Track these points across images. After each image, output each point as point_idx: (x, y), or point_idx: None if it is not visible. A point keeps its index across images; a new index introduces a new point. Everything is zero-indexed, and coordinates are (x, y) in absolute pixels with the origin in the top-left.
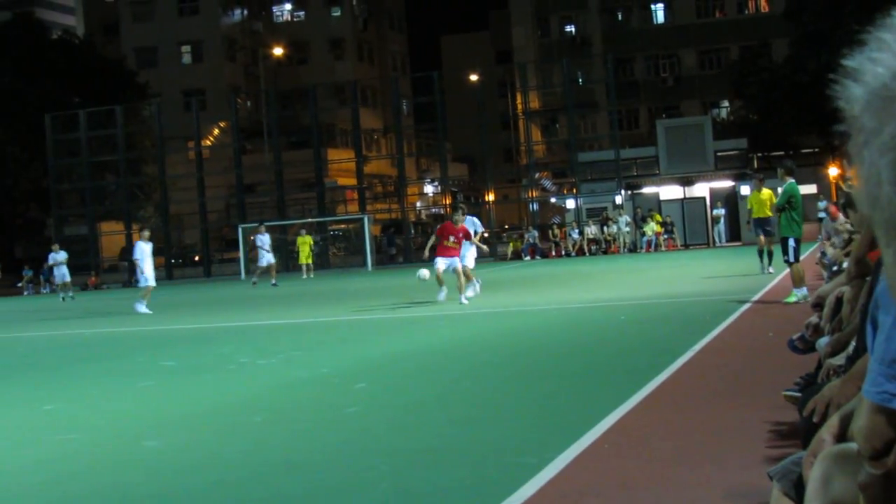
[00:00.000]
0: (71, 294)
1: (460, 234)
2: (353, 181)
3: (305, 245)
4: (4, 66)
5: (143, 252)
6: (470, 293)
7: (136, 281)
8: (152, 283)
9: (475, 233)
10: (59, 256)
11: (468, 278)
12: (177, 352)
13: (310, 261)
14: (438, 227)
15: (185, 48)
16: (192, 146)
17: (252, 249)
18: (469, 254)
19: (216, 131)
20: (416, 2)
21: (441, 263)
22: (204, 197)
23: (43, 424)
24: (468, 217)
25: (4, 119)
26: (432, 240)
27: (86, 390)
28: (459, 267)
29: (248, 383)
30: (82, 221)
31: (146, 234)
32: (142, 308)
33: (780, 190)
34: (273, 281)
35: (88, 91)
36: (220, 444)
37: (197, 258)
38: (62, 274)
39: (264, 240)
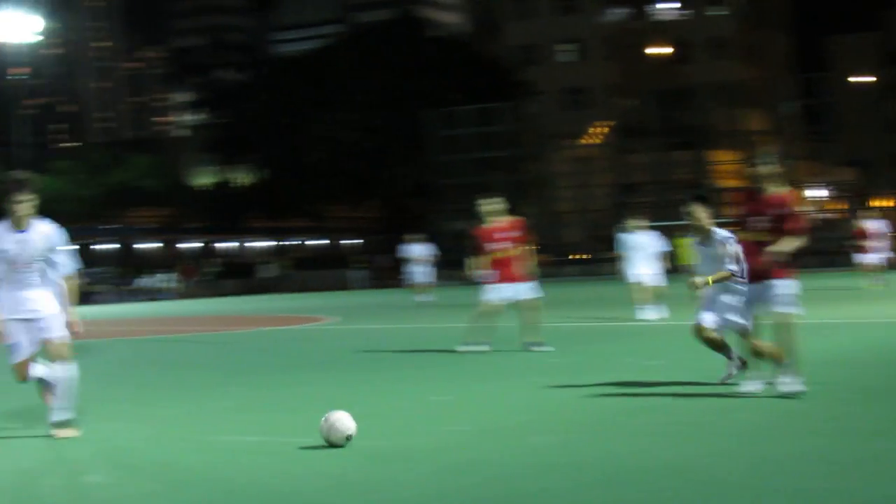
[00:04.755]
0: (432, 296)
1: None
2: (735, 183)
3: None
4: (387, 63)
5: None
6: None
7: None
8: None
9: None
10: (419, 250)
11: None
12: (568, 348)
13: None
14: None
15: (567, 46)
16: (573, 144)
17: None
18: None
19: (597, 130)
20: (801, 1)
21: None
22: (587, 196)
23: (431, 414)
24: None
25: (387, 115)
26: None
27: (472, 384)
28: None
29: (628, 387)
30: (461, 217)
31: None
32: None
33: None
34: None
35: (467, 88)
36: (592, 444)
37: (579, 256)
38: (422, 271)
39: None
